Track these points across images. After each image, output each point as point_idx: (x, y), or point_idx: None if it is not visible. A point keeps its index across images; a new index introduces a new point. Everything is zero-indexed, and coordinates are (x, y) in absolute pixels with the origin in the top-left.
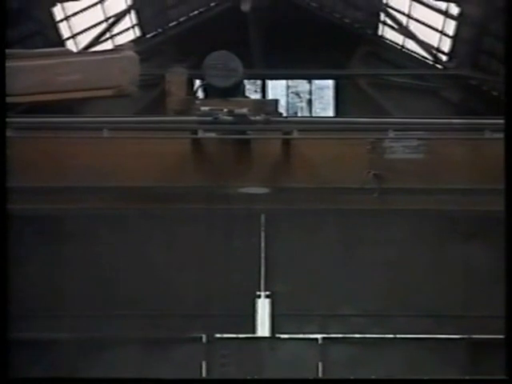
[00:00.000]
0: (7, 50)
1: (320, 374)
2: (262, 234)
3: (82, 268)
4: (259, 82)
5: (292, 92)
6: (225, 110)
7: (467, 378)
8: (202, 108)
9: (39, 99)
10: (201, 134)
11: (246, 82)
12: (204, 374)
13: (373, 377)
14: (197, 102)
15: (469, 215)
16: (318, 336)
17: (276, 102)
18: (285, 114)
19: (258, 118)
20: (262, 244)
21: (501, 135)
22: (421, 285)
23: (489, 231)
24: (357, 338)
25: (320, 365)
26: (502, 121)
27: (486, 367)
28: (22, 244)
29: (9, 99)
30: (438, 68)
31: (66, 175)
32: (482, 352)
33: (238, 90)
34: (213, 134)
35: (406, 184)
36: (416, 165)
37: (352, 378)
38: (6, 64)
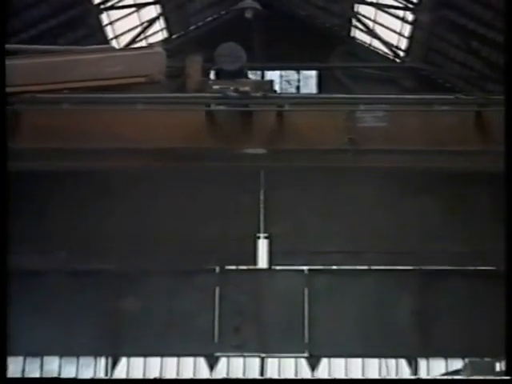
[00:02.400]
0: (71, 47)
1: (306, 298)
2: (262, 186)
3: (125, 214)
4: (259, 72)
5: (284, 80)
6: (231, 88)
7: (468, 378)
8: (214, 87)
9: (92, 85)
10: (213, 107)
11: (248, 72)
12: (217, 298)
13: (348, 301)
14: (210, 82)
15: (421, 172)
16: (305, 268)
17: (271, 82)
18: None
19: (257, 94)
20: (261, 196)
21: (446, 107)
22: (384, 228)
23: (437, 185)
24: (335, 269)
25: (306, 290)
26: (447, 96)
27: (433, 292)
28: (78, 195)
29: (69, 85)
30: (396, 61)
31: (110, 139)
32: (431, 280)
33: (241, 73)
34: (222, 107)
35: (374, 146)
36: (381, 131)
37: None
38: (70, 57)
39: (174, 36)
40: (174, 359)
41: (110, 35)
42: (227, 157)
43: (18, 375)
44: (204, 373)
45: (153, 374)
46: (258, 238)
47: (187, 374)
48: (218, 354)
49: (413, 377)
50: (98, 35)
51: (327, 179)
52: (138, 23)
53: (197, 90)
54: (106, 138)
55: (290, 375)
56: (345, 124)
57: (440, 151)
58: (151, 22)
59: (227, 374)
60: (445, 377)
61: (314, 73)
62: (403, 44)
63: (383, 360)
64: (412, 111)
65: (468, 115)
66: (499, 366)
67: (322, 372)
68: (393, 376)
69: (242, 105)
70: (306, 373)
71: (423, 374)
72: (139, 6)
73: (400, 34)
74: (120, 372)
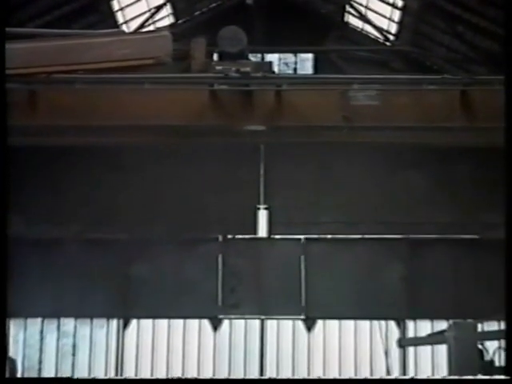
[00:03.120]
0: (83, 31)
1: (302, 264)
2: (261, 161)
3: (134, 187)
4: (259, 55)
5: (283, 63)
6: (233, 69)
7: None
8: (217, 67)
9: (103, 66)
10: (216, 87)
11: (249, 55)
12: (220, 264)
13: (342, 269)
14: (213, 63)
15: (410, 147)
16: (301, 237)
17: (270, 63)
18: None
19: (257, 75)
20: (261, 170)
21: (433, 87)
22: (376, 199)
23: (424, 160)
24: (329, 238)
25: (302, 257)
26: (434, 76)
27: (420, 259)
28: (91, 169)
29: (82, 66)
30: (386, 45)
31: (120, 117)
32: (419, 247)
33: (243, 55)
34: (225, 87)
35: (366, 123)
36: (373, 109)
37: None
38: (83, 41)
39: (180, 21)
40: (181, 321)
41: (121, 20)
42: (229, 133)
43: (37, 336)
44: (208, 333)
45: (161, 335)
46: (258, 209)
47: (192, 335)
48: (221, 316)
49: (411, 377)
50: (109, 21)
51: (323, 154)
52: (147, 9)
53: (201, 71)
54: (116, 115)
55: (288, 337)
56: (339, 102)
57: (428, 127)
58: (159, 8)
59: (230, 335)
60: (431, 336)
61: (310, 56)
62: (393, 28)
63: (374, 322)
64: (402, 90)
65: (453, 94)
66: (480, 327)
67: (318, 333)
68: (382, 336)
69: (242, 84)
70: (302, 334)
71: (411, 334)
72: None
73: (390, 20)
74: (131, 333)
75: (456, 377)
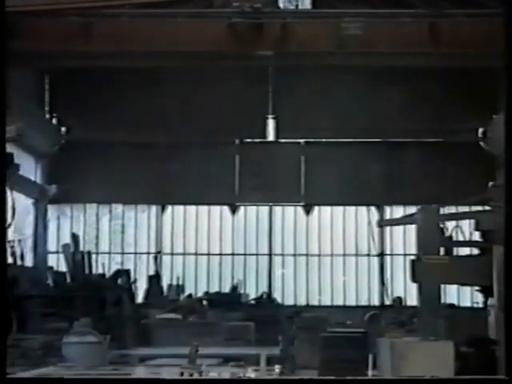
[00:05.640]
0: None
1: (302, 163)
2: (270, 81)
3: (169, 101)
4: None
5: (287, 0)
6: (247, 4)
7: (467, 377)
8: (234, 4)
9: (143, 1)
10: (234, 20)
11: None
12: (237, 162)
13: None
14: (231, 0)
15: (389, 68)
16: (301, 140)
17: (276, 0)
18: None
19: (267, 10)
20: (270, 87)
21: (408, 19)
22: (362, 110)
23: (401, 79)
24: (324, 141)
25: (302, 157)
26: (409, 11)
27: (396, 158)
28: (134, 87)
29: (130, 1)
30: None
31: (157, 44)
32: (395, 149)
33: None
34: (240, 19)
35: (355, 49)
36: (360, 37)
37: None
38: None
39: None
40: (206, 207)
41: None
42: (244, 57)
43: (94, 218)
44: (227, 217)
45: (190, 218)
46: (267, 118)
47: (215, 218)
48: (237, 203)
49: (410, 376)
50: None
51: (319, 75)
52: None
53: (221, 7)
54: (154, 43)
55: (290, 219)
56: (333, 32)
57: (403, 53)
58: None
59: (244, 218)
60: (403, 218)
61: None
62: None
63: (359, 207)
64: (382, 23)
65: (424, 25)
66: (442, 211)
67: (314, 217)
68: (364, 219)
69: (254, 18)
70: (302, 218)
71: (388, 217)
72: None
73: None
74: (167, 216)
75: (456, 377)
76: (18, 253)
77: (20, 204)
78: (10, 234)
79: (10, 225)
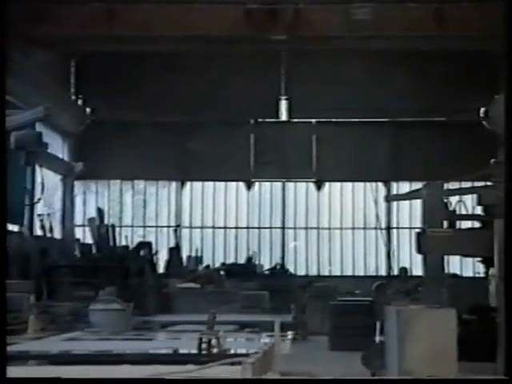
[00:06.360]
0: None
1: (313, 141)
2: (283, 64)
3: (188, 83)
4: None
5: None
6: None
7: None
8: None
9: None
10: (248, 6)
11: None
12: (252, 141)
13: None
14: None
15: (396, 52)
16: (313, 120)
17: None
18: None
19: None
20: (282, 70)
21: (414, 4)
22: (369, 91)
23: (407, 62)
24: (334, 121)
25: (314, 136)
26: None
27: (401, 137)
28: (156, 70)
29: None
30: None
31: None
32: (400, 128)
33: None
34: (255, 5)
35: (363, 33)
36: (369, 22)
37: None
38: None
39: None
40: (223, 183)
41: None
42: (259, 41)
43: (117, 193)
44: (243, 192)
45: (208, 194)
46: (280, 99)
47: (231, 194)
48: (252, 179)
49: (411, 377)
50: None
51: (330, 58)
52: None
53: None
54: (174, 28)
55: (302, 194)
56: (343, 17)
57: (410, 36)
58: None
59: (259, 193)
60: (409, 193)
61: None
62: None
63: (367, 183)
64: (390, 7)
65: (430, 9)
66: (447, 186)
67: (325, 192)
68: (373, 193)
69: (269, 3)
70: (313, 193)
71: (394, 192)
72: None
73: None
74: (186, 191)
75: (456, 377)
76: (48, 226)
77: (49, 180)
78: (40, 208)
79: (39, 199)
